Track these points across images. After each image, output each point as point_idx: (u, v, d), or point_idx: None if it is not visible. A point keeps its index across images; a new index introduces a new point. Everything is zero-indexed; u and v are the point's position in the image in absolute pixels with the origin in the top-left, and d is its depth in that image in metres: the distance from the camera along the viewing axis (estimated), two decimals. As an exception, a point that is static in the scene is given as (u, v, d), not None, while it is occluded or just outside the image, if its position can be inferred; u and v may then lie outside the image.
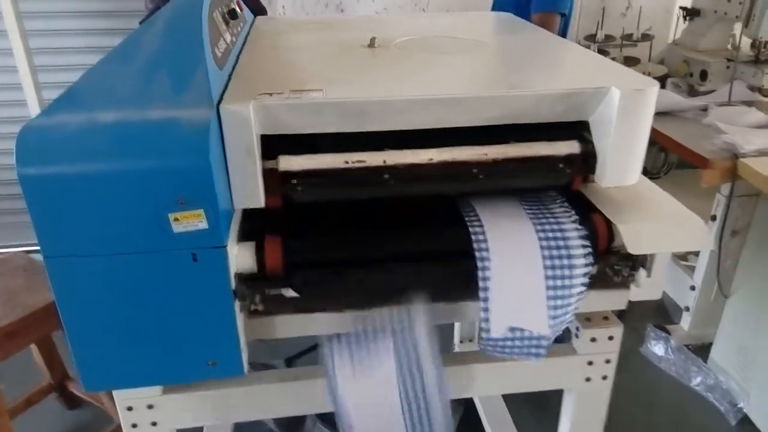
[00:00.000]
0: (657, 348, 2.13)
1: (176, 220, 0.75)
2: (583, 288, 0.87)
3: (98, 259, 0.76)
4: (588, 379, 1.08)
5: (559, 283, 0.86)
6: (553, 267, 0.86)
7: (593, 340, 1.04)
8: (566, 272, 0.86)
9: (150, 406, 0.95)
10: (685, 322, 2.21)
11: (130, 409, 0.95)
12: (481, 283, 0.86)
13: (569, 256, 0.87)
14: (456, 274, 0.90)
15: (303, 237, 0.89)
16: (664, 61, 2.37)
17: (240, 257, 0.85)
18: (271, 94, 0.83)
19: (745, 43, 2.08)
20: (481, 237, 0.87)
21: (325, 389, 0.89)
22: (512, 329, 0.89)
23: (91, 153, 0.71)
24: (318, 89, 0.85)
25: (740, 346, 1.89)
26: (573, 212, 0.91)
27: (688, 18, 2.27)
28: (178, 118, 0.74)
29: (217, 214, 0.75)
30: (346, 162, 0.89)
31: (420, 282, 0.88)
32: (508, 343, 0.90)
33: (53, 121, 0.73)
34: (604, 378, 1.08)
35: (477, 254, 0.86)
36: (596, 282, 0.96)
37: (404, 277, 0.89)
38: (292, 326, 0.92)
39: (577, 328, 1.05)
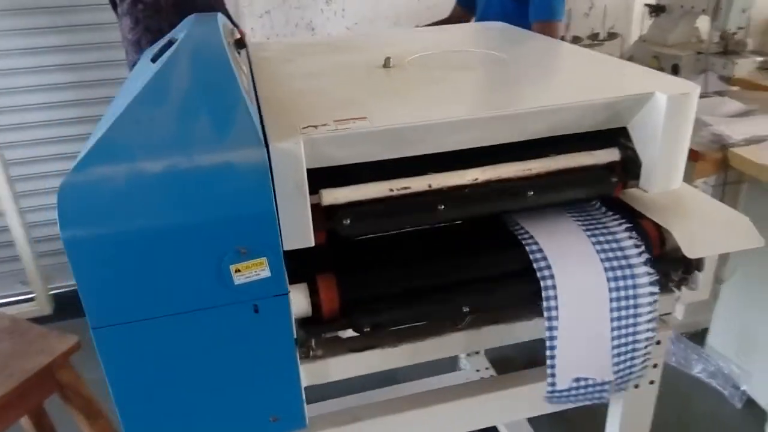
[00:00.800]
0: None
1: (237, 271, 0.69)
2: (651, 315, 0.86)
3: (152, 323, 0.69)
4: (636, 386, 1.07)
5: (623, 303, 0.84)
6: (615, 279, 0.84)
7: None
8: (630, 285, 0.84)
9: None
10: (679, 311, 2.24)
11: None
12: (547, 332, 0.84)
13: (630, 266, 0.85)
14: (519, 295, 0.87)
15: (355, 273, 0.85)
16: (632, 57, 2.42)
17: (294, 302, 0.80)
18: (316, 127, 0.78)
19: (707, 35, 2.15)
20: (539, 255, 0.85)
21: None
22: (577, 379, 0.88)
23: (142, 208, 0.65)
24: (362, 117, 0.81)
25: (739, 330, 1.93)
26: (623, 220, 0.90)
27: (653, 14, 2.32)
28: (231, 162, 0.68)
29: (279, 261, 0.70)
30: (391, 190, 0.85)
31: (483, 305, 0.85)
32: (573, 392, 0.89)
33: (94, 175, 0.66)
34: (651, 383, 1.07)
35: (539, 274, 0.84)
36: None
37: (468, 302, 0.85)
38: (347, 367, 0.87)
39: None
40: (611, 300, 0.84)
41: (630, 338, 0.87)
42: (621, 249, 0.86)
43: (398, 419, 0.93)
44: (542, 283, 0.83)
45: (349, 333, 0.85)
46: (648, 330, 0.86)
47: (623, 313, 0.85)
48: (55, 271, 2.64)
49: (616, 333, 0.86)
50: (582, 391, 0.90)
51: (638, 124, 0.90)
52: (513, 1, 1.81)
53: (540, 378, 0.90)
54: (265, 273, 0.70)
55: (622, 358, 0.88)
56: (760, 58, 2.08)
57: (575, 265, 0.84)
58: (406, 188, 0.86)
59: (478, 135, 0.85)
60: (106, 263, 0.65)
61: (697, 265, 0.91)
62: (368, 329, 0.81)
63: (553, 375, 0.87)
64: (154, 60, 0.91)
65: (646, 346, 0.88)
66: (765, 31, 2.36)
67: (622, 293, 0.84)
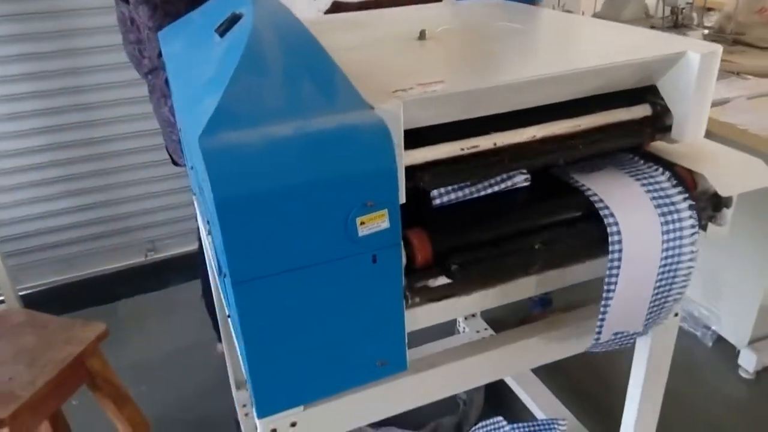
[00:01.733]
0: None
1: (362, 223, 0.74)
2: (691, 255, 0.97)
3: (286, 276, 0.73)
4: (676, 314, 1.20)
5: (671, 244, 0.95)
6: (666, 222, 0.95)
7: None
8: (678, 227, 0.95)
9: (293, 424, 0.93)
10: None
11: (273, 431, 0.92)
12: (608, 271, 0.93)
13: (677, 211, 0.96)
14: (583, 237, 0.97)
15: (440, 226, 0.91)
16: (588, 33, 2.58)
17: (392, 254, 0.86)
18: (405, 90, 0.84)
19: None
20: (601, 204, 0.94)
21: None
22: (615, 333, 0.99)
23: (286, 168, 0.69)
24: (440, 81, 0.88)
25: (707, 276, 2.14)
26: (663, 168, 1.01)
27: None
28: (355, 123, 0.74)
29: (396, 212, 0.76)
30: (462, 149, 0.92)
31: (560, 246, 0.95)
32: (609, 343, 1.00)
33: (234, 140, 0.69)
34: (676, 315, 1.21)
35: (605, 220, 0.93)
36: None
37: (539, 240, 0.94)
38: (435, 314, 0.94)
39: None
40: (663, 242, 0.95)
41: (670, 278, 0.98)
42: (668, 196, 0.97)
43: (468, 363, 1.02)
44: (608, 228, 0.92)
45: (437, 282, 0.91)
46: (688, 268, 0.98)
47: (670, 253, 0.96)
48: (23, 272, 2.54)
49: (660, 275, 0.96)
50: (617, 340, 1.01)
51: (669, 81, 1.02)
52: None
53: (546, 330, 1.05)
54: (385, 224, 0.76)
55: (660, 298, 0.99)
56: (706, 31, 2.29)
57: (633, 209, 0.94)
58: (475, 147, 0.93)
59: (541, 94, 0.94)
60: (254, 221, 0.69)
61: (725, 202, 1.03)
62: (459, 275, 0.89)
63: (599, 331, 0.97)
64: (222, 34, 0.93)
65: (683, 285, 1.00)
66: (703, 6, 2.58)
67: (671, 235, 0.95)
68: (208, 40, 0.99)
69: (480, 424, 1.50)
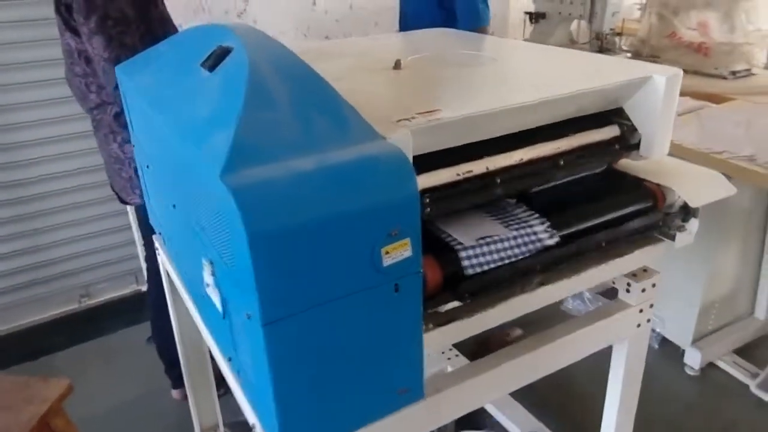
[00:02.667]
0: (576, 302, 2.45)
1: (387, 253, 0.74)
2: None
3: (314, 311, 0.72)
4: (639, 325, 1.26)
5: None
6: None
7: (643, 290, 1.23)
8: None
9: (308, 465, 0.90)
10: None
11: (288, 475, 0.89)
12: None
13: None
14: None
15: (445, 252, 0.92)
16: (518, 59, 2.72)
17: (403, 283, 0.86)
18: (409, 119, 0.85)
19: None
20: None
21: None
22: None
23: (313, 202, 0.68)
24: (437, 109, 0.90)
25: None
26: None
27: (534, 21, 2.64)
28: (375, 154, 0.74)
29: (418, 240, 0.77)
30: (458, 174, 0.95)
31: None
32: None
33: (258, 176, 0.68)
34: (648, 321, 1.28)
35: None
36: (639, 241, 1.15)
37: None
38: (449, 336, 0.94)
39: (629, 284, 1.22)
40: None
41: None
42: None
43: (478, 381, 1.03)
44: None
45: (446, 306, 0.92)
46: None
47: None
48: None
49: None
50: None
51: (636, 103, 1.09)
52: (441, 9, 1.98)
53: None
54: (408, 253, 0.76)
55: None
56: (629, 54, 2.47)
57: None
58: (469, 171, 0.96)
59: (526, 119, 0.98)
60: (283, 256, 0.67)
61: (694, 213, 1.11)
62: (469, 299, 0.90)
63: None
64: (211, 69, 0.91)
65: None
66: (621, 32, 2.79)
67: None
68: (190, 74, 0.96)
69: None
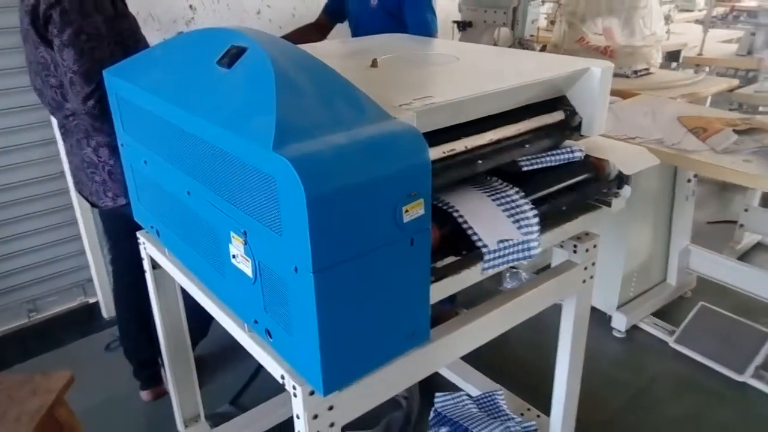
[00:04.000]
0: (513, 282, 2.69)
1: (406, 211, 0.90)
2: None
3: (351, 263, 0.86)
4: (584, 281, 1.49)
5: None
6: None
7: (587, 250, 1.45)
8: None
9: (330, 408, 1.03)
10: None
11: (315, 417, 1.02)
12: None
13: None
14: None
15: (439, 216, 1.09)
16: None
17: (409, 242, 1.01)
18: (409, 104, 1.02)
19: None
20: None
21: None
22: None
23: (351, 169, 0.83)
24: (429, 96, 1.07)
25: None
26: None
27: (461, 29, 2.88)
28: (395, 130, 0.90)
29: (429, 201, 0.93)
30: (443, 152, 1.12)
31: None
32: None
33: (306, 149, 0.81)
34: (591, 277, 1.50)
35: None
36: (582, 209, 1.37)
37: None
38: (447, 288, 1.11)
39: (575, 246, 1.44)
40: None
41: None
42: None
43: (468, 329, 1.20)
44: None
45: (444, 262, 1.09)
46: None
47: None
48: None
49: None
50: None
51: (576, 91, 1.31)
52: (389, 17, 2.15)
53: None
54: (421, 211, 0.92)
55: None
56: (546, 58, 2.76)
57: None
58: (452, 150, 1.13)
59: (496, 104, 1.17)
60: (333, 215, 0.81)
61: (627, 180, 1.34)
62: (465, 254, 1.07)
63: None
64: (229, 66, 1.03)
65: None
66: (537, 38, 3.09)
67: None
68: (204, 72, 1.08)
69: (442, 397, 1.68)
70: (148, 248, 1.52)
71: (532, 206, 1.15)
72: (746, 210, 2.91)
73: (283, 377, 1.03)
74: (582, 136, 1.35)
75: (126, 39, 1.62)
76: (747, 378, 2.07)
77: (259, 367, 2.25)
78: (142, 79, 1.24)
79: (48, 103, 1.69)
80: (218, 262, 1.10)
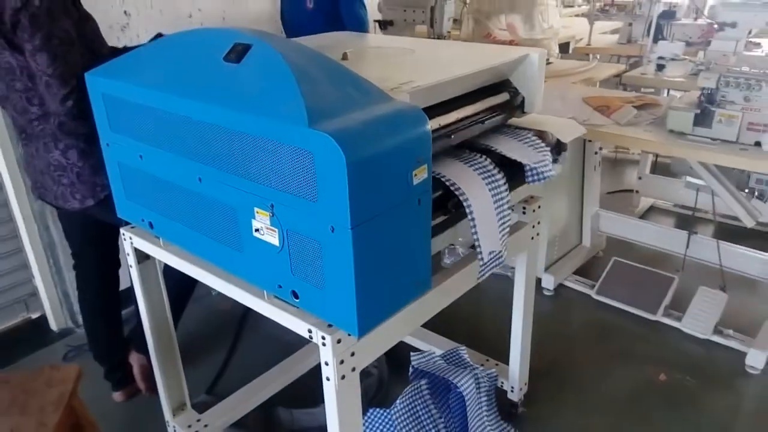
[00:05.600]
0: (452, 258, 2.94)
1: (415, 175, 1.08)
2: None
3: (378, 219, 1.03)
4: (533, 237, 1.74)
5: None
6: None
7: (534, 211, 1.70)
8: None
9: (353, 354, 1.19)
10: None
11: (342, 362, 1.18)
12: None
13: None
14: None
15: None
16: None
17: (408, 205, 1.20)
18: (398, 87, 1.20)
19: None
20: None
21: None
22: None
23: (379, 138, 1.00)
24: (411, 81, 1.25)
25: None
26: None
27: (383, 27, 3.08)
28: (402, 108, 1.08)
29: (430, 166, 1.11)
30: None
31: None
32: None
33: (336, 125, 0.97)
34: (538, 234, 1.76)
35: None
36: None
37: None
38: (441, 243, 1.30)
39: (524, 208, 1.69)
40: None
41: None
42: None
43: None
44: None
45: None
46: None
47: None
48: None
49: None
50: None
51: (518, 74, 1.55)
52: (324, 18, 2.30)
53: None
54: (425, 175, 1.10)
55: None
56: (463, 51, 3.02)
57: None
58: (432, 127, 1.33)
59: (458, 87, 1.38)
60: (366, 177, 0.97)
61: (564, 147, 1.60)
62: (454, 212, 1.27)
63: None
64: (237, 60, 1.16)
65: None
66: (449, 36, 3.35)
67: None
68: (210, 68, 1.19)
69: (417, 356, 1.87)
70: (135, 242, 1.58)
71: (499, 169, 1.37)
72: (640, 178, 3.35)
73: (310, 331, 1.17)
74: (524, 113, 1.59)
75: (92, 41, 1.68)
76: (659, 317, 2.43)
77: (229, 357, 2.34)
78: (139, 76, 1.32)
79: (12, 108, 1.70)
80: (234, 239, 1.23)
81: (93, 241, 1.99)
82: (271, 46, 1.13)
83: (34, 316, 2.66)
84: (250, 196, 1.14)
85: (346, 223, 0.98)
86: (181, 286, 1.93)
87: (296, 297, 1.16)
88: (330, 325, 1.16)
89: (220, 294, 1.40)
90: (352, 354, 1.19)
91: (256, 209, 1.14)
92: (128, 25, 2.46)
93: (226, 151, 1.15)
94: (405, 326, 1.29)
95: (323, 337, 1.15)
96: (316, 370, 1.58)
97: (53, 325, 2.60)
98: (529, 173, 1.48)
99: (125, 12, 2.44)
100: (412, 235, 1.13)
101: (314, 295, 1.12)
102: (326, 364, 1.17)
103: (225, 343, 2.41)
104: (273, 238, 1.13)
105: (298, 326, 1.20)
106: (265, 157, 1.07)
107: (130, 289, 2.00)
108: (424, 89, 1.23)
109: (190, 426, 1.83)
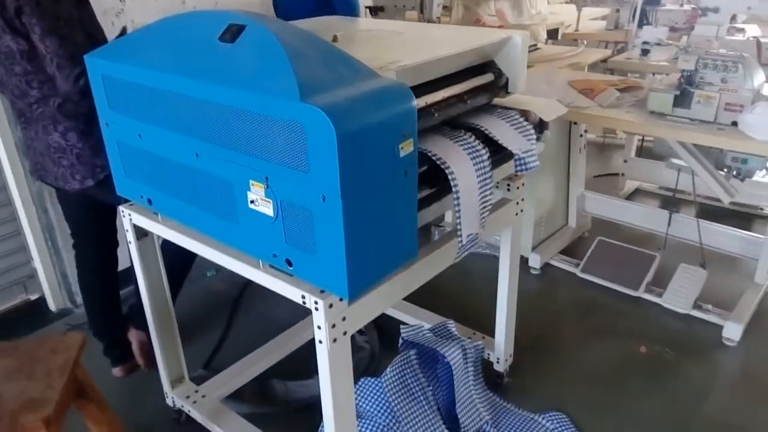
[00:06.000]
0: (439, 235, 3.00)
1: (402, 148, 1.15)
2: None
3: (366, 189, 1.10)
4: (516, 214, 1.81)
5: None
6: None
7: (517, 188, 1.77)
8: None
9: (344, 318, 1.27)
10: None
11: (333, 326, 1.25)
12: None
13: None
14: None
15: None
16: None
17: (395, 179, 1.26)
18: (386, 66, 1.26)
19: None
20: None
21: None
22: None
23: (367, 112, 1.06)
24: (398, 60, 1.31)
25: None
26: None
27: (374, 13, 3.13)
28: (390, 85, 1.14)
29: (416, 140, 1.18)
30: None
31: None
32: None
33: (327, 100, 1.03)
34: (522, 210, 1.83)
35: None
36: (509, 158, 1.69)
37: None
38: (426, 216, 1.38)
39: (508, 185, 1.76)
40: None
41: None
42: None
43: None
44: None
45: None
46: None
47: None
48: None
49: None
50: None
51: (502, 56, 1.61)
52: (318, 3, 2.35)
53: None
54: (411, 148, 1.17)
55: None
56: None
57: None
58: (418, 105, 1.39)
59: (445, 67, 1.44)
60: (355, 150, 1.04)
61: (546, 126, 1.67)
62: (439, 186, 1.34)
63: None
64: (231, 40, 1.22)
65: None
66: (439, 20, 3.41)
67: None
68: (206, 47, 1.25)
69: (406, 328, 1.95)
70: (134, 218, 1.64)
71: (484, 145, 1.43)
72: (625, 161, 3.43)
73: (303, 297, 1.24)
74: (508, 93, 1.66)
75: (89, 25, 1.73)
76: (641, 293, 2.52)
77: (224, 335, 2.41)
78: (137, 58, 1.38)
79: (11, 92, 1.75)
80: (231, 212, 1.29)
81: (92, 221, 2.04)
82: (265, 26, 1.19)
83: (33, 297, 2.71)
84: (246, 170, 1.20)
85: (336, 192, 1.05)
86: (178, 261, 1.99)
87: (290, 265, 1.23)
88: (322, 291, 1.23)
89: (214, 276, 1.47)
90: (344, 319, 1.27)
91: (251, 182, 1.20)
92: (123, 10, 2.51)
93: (223, 127, 1.21)
94: (393, 294, 1.36)
95: (316, 302, 1.22)
96: (309, 345, 1.67)
97: (52, 306, 2.66)
98: (517, 162, 1.56)
99: (119, -3, 2.48)
100: (399, 205, 1.20)
101: (307, 262, 1.19)
102: (318, 327, 1.25)
103: (219, 322, 2.48)
104: (268, 209, 1.20)
105: (292, 293, 1.27)
106: (259, 131, 1.13)
107: (129, 269, 2.07)
108: (410, 68, 1.29)
109: (188, 397, 1.90)
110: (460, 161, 1.37)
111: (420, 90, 1.38)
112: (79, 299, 2.63)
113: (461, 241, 1.40)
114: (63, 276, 2.61)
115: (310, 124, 1.03)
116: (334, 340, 1.26)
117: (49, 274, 2.60)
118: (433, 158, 1.33)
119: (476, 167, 1.41)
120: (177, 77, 1.27)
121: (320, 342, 1.26)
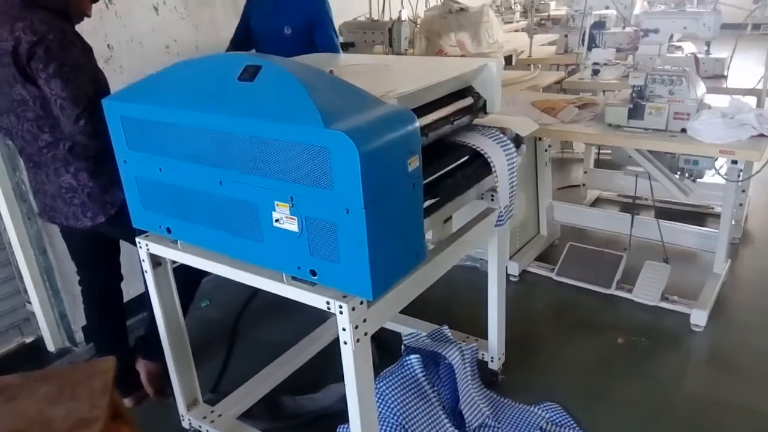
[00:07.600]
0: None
1: (410, 163, 1.32)
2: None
3: (383, 200, 1.26)
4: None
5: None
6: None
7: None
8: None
9: (365, 320, 1.41)
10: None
11: (356, 327, 1.39)
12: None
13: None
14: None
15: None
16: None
17: (402, 192, 1.43)
18: (386, 94, 1.44)
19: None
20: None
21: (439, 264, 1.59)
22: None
23: (381, 134, 1.23)
24: (395, 89, 1.49)
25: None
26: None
27: (345, 49, 3.33)
28: (397, 110, 1.32)
29: (420, 157, 1.35)
30: (406, 130, 1.56)
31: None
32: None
33: (348, 125, 1.20)
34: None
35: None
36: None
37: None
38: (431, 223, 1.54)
39: (492, 195, 1.95)
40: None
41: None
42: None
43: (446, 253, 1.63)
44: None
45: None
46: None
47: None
48: None
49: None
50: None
51: (479, 81, 1.81)
52: (299, 43, 2.52)
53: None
54: (417, 164, 1.34)
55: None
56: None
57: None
58: (411, 128, 1.57)
59: (433, 93, 1.63)
60: (375, 165, 1.20)
61: (522, 140, 1.87)
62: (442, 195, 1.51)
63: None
64: (251, 79, 1.37)
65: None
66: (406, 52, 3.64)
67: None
68: (226, 87, 1.40)
69: (407, 336, 2.09)
70: (151, 248, 1.75)
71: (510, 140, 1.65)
72: (585, 172, 3.68)
73: (328, 303, 1.38)
74: (486, 113, 1.86)
75: (93, 70, 1.85)
76: (613, 290, 2.73)
77: (227, 359, 2.50)
78: (156, 98, 1.52)
79: (21, 138, 1.85)
80: (255, 231, 1.43)
81: (98, 257, 2.14)
82: (279, 65, 1.36)
83: (29, 340, 2.75)
84: (271, 192, 1.34)
85: (360, 204, 1.21)
86: (183, 291, 2.10)
87: (314, 275, 1.37)
88: (344, 296, 1.37)
89: (208, 305, 1.59)
90: (364, 320, 1.41)
91: (276, 202, 1.35)
92: (111, 57, 2.63)
93: (247, 156, 1.35)
94: (406, 295, 1.52)
95: (340, 306, 1.36)
96: (312, 361, 1.78)
97: (51, 347, 2.69)
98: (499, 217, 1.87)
99: (108, 45, 2.61)
100: (409, 213, 1.37)
101: (331, 270, 1.34)
102: (343, 329, 1.38)
103: (218, 350, 2.57)
104: (292, 226, 1.34)
105: (317, 300, 1.41)
106: (284, 156, 1.28)
107: (133, 301, 2.17)
108: (408, 95, 1.47)
109: (205, 417, 1.99)
110: (495, 150, 1.64)
111: (416, 113, 1.56)
112: (78, 338, 2.68)
113: (501, 210, 1.71)
114: (62, 316, 2.66)
115: (334, 147, 1.19)
116: (358, 341, 1.40)
117: (48, 315, 2.64)
118: (474, 148, 1.63)
119: (506, 154, 1.64)
120: (201, 113, 1.41)
121: (345, 343, 1.40)
